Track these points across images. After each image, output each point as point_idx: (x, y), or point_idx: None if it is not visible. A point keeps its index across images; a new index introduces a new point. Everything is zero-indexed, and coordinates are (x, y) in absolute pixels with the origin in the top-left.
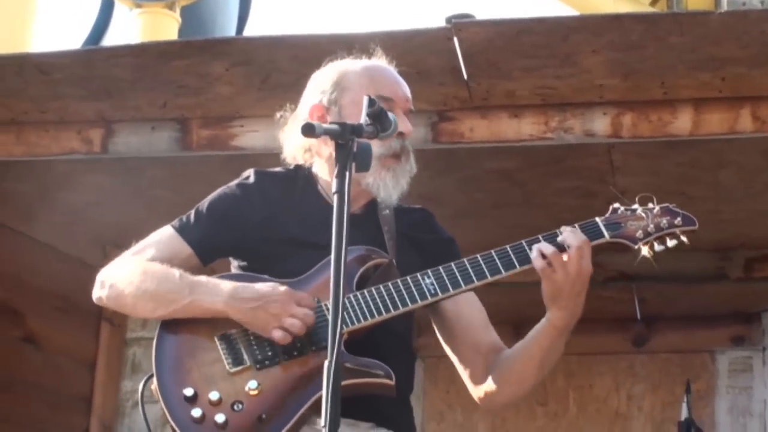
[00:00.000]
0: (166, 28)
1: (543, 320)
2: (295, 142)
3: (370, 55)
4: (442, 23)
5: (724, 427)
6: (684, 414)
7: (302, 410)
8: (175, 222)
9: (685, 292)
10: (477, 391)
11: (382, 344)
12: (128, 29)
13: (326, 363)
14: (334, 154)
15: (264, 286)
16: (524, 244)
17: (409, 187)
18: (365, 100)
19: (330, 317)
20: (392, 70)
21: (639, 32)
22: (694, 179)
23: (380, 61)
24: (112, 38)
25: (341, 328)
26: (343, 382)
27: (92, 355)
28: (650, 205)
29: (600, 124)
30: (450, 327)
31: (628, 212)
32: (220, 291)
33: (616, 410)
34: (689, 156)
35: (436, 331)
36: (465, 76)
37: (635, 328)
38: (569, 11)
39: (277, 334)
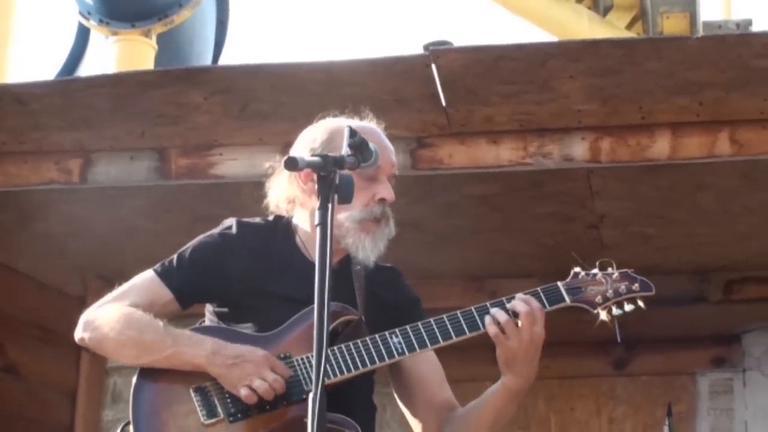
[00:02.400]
0: (143, 55)
1: (497, 383)
2: (280, 192)
3: (361, 116)
4: (420, 50)
5: None
6: None
7: None
8: (158, 266)
9: (665, 315)
10: None
11: (348, 399)
12: (104, 57)
13: (311, 397)
14: (306, 192)
15: (244, 347)
16: (488, 306)
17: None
18: (346, 131)
19: (314, 349)
20: (381, 134)
21: (616, 57)
22: (673, 203)
23: (371, 124)
24: (88, 66)
25: (326, 355)
26: None
27: (73, 385)
28: (609, 270)
29: (578, 149)
30: (407, 383)
31: (589, 276)
32: (202, 346)
33: None
34: (668, 180)
35: (392, 385)
36: (443, 103)
37: (616, 351)
38: (546, 37)
39: (244, 392)
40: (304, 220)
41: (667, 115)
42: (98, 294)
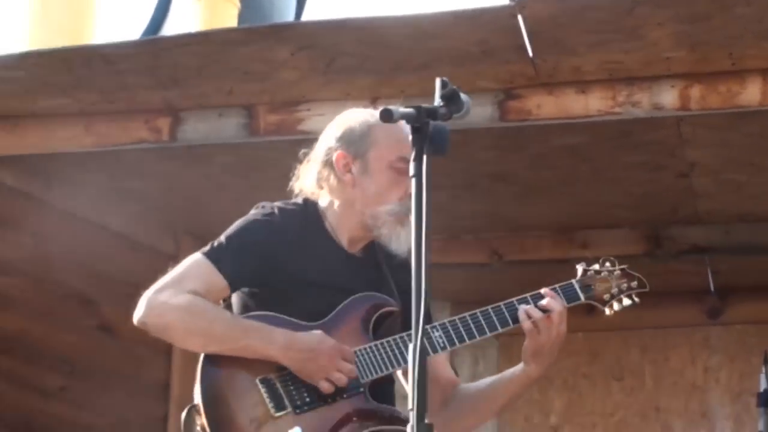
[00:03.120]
0: (226, 13)
1: (518, 370)
2: (311, 176)
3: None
4: (506, 1)
5: None
6: (763, 385)
7: None
8: (207, 251)
9: (758, 263)
10: (436, 419)
11: (390, 390)
12: (188, 16)
13: (411, 348)
14: (342, 182)
15: (313, 339)
16: (515, 302)
17: (480, 167)
18: (438, 82)
19: (414, 300)
20: None
21: (705, 3)
22: (764, 150)
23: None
24: (171, 24)
25: (424, 310)
26: (371, 429)
27: (168, 342)
28: (611, 267)
29: (668, 97)
30: None
31: (595, 274)
32: (273, 339)
33: (692, 382)
34: (759, 126)
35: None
36: (530, 54)
37: (709, 300)
38: None
39: (324, 385)
40: (333, 206)
41: (758, 60)
42: (190, 252)
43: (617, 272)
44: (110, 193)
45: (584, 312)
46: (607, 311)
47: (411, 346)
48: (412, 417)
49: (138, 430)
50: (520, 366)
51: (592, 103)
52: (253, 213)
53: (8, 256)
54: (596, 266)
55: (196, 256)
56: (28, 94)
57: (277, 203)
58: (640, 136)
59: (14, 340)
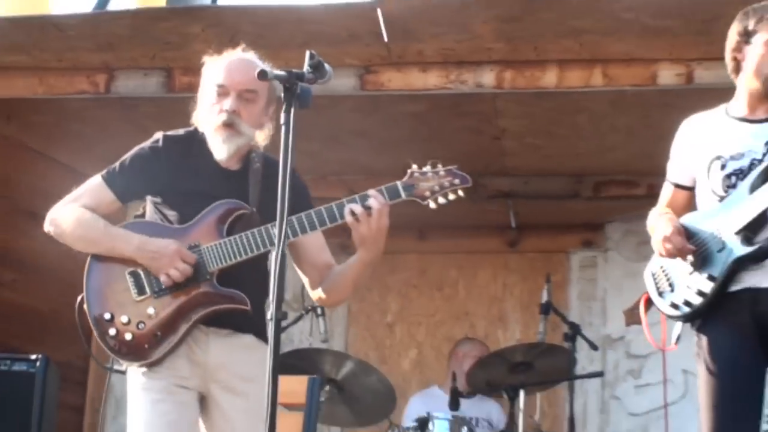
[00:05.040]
0: None
1: (355, 255)
2: (197, 113)
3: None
4: None
5: (574, 308)
6: (545, 298)
7: (187, 327)
8: (104, 173)
9: (548, 207)
10: (314, 294)
11: (242, 276)
12: None
13: (273, 255)
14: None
15: (161, 243)
16: (345, 202)
17: (344, 125)
18: (307, 54)
19: (277, 220)
20: (236, 61)
21: (518, 8)
22: (557, 121)
23: (234, 54)
24: (115, 2)
25: (286, 231)
26: (213, 308)
27: None
28: (438, 168)
29: (488, 78)
30: (297, 250)
31: (420, 174)
32: (130, 242)
33: (494, 295)
34: (554, 103)
35: (289, 251)
36: (385, 39)
37: (510, 233)
38: None
39: (163, 278)
40: (209, 133)
41: (555, 53)
42: None
43: (441, 172)
44: (57, 132)
45: (416, 238)
46: (431, 205)
47: (273, 253)
48: (272, 305)
49: None
50: (357, 253)
51: (431, 80)
52: (146, 142)
53: None
54: (426, 168)
55: (95, 177)
56: None
57: (168, 132)
58: (465, 107)
59: None
